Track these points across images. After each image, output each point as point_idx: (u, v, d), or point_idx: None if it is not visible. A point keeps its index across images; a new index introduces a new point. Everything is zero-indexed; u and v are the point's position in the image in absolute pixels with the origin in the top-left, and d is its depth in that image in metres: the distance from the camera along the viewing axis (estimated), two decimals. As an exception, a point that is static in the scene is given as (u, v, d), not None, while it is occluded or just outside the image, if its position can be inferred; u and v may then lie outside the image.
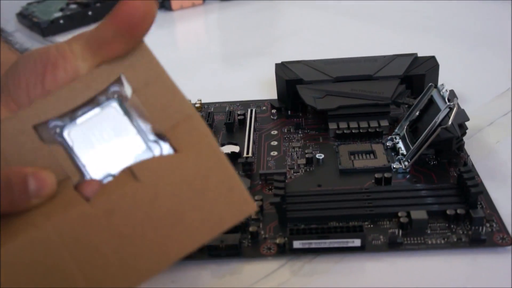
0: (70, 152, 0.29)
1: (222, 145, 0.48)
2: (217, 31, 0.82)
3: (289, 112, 0.53)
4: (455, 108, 0.42)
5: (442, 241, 0.37)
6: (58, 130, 0.29)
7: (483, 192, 0.41)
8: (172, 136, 0.29)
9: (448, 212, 0.38)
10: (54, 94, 0.28)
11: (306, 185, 0.43)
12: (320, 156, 0.46)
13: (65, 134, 0.29)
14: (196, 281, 0.37)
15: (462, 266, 0.36)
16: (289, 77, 0.52)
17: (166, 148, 0.29)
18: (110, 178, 0.29)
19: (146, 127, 0.29)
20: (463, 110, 0.45)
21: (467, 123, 0.45)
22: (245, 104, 0.56)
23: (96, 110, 0.29)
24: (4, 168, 0.27)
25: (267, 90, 0.58)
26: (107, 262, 0.27)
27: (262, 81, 0.60)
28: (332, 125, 0.49)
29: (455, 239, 0.37)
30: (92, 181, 0.28)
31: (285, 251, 0.37)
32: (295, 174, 0.45)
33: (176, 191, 0.28)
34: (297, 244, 0.37)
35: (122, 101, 0.29)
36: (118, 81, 0.29)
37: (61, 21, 0.76)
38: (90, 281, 0.27)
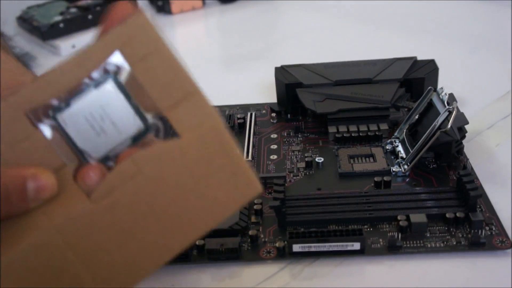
0: (66, 136, 0.27)
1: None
2: (217, 34, 0.82)
3: (289, 115, 0.53)
4: (454, 112, 0.42)
5: (442, 245, 0.37)
6: (51, 113, 0.27)
7: (483, 195, 0.41)
8: (172, 117, 0.27)
9: (447, 215, 0.38)
10: (44, 77, 0.27)
11: (305, 188, 0.43)
12: (319, 159, 0.46)
13: (59, 118, 0.27)
14: (196, 284, 0.37)
15: (462, 270, 0.36)
16: (289, 80, 0.52)
17: (165, 129, 0.28)
18: (108, 162, 0.28)
19: (144, 106, 0.28)
20: (462, 114, 0.45)
21: (466, 127, 0.45)
22: (245, 108, 0.56)
23: (91, 91, 0.27)
24: (2, 171, 0.26)
25: (267, 94, 0.58)
26: (112, 259, 0.27)
27: (261, 84, 0.60)
28: (331, 129, 0.49)
29: (454, 243, 0.37)
30: (94, 166, 0.28)
31: (284, 254, 0.37)
32: (294, 177, 0.45)
33: (178, 180, 0.27)
34: (296, 247, 0.37)
35: (118, 79, 0.27)
36: (114, 57, 0.27)
37: (61, 25, 0.76)
38: (97, 279, 0.27)
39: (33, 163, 0.27)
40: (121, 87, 0.27)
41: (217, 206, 0.28)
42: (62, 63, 0.27)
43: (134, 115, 0.28)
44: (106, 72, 0.27)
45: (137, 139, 0.28)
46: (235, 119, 0.52)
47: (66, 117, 0.27)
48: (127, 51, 0.27)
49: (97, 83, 0.27)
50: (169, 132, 0.28)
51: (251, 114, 0.53)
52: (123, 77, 0.27)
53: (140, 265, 0.27)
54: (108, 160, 0.28)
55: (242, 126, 0.52)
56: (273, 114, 0.54)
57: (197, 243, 0.38)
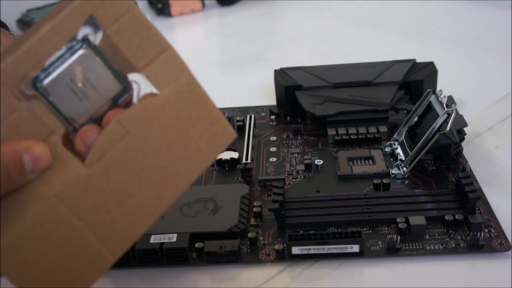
0: (49, 104, 0.28)
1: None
2: (217, 37, 0.82)
3: (288, 118, 0.53)
4: (453, 114, 0.42)
5: (441, 247, 0.37)
6: (31, 83, 0.27)
7: (482, 197, 0.41)
8: (148, 74, 0.28)
9: (446, 217, 0.38)
10: (22, 48, 0.27)
11: (305, 191, 0.43)
12: (319, 162, 0.46)
13: (41, 87, 0.28)
14: (195, 287, 0.37)
15: (461, 272, 0.36)
16: (288, 83, 0.52)
17: (143, 87, 0.29)
18: (92, 123, 0.29)
19: (120, 66, 0.29)
20: (461, 116, 0.45)
21: (465, 129, 0.45)
22: (244, 110, 0.56)
23: (69, 58, 0.28)
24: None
25: (266, 96, 0.58)
26: (113, 218, 0.28)
27: (261, 87, 0.60)
28: (331, 131, 0.49)
29: (453, 245, 0.37)
30: (91, 126, 0.29)
31: (284, 257, 0.37)
32: (294, 180, 0.45)
33: (163, 135, 0.29)
34: (295, 250, 0.37)
35: (92, 43, 0.28)
36: (88, 22, 0.28)
37: (61, 28, 0.76)
38: (102, 239, 0.28)
39: (23, 134, 0.28)
40: (96, 50, 0.28)
41: (201, 154, 0.29)
42: (39, 32, 0.27)
43: (113, 77, 0.29)
44: (82, 37, 0.28)
45: (117, 99, 0.29)
46: (234, 121, 0.53)
47: (48, 86, 0.28)
48: (99, 14, 0.28)
49: (74, 50, 0.28)
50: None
51: (250, 117, 0.53)
52: (97, 40, 0.29)
53: (139, 220, 0.29)
54: (91, 122, 0.29)
55: (241, 128, 0.52)
56: (273, 117, 0.54)
57: (196, 245, 0.38)
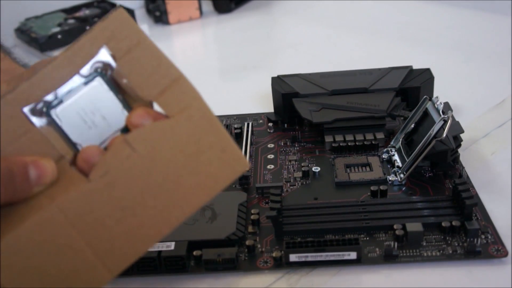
0: (60, 130, 0.29)
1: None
2: (214, 44, 0.82)
3: (286, 125, 0.53)
4: (449, 121, 0.42)
5: (438, 253, 0.37)
6: (45, 109, 0.29)
7: (478, 203, 0.41)
8: (161, 102, 0.29)
9: (443, 224, 0.38)
10: (38, 74, 0.28)
11: (302, 198, 0.44)
12: (316, 169, 0.46)
13: (53, 113, 0.29)
14: (193, 295, 0.37)
15: (458, 278, 0.36)
16: (285, 90, 0.53)
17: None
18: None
19: (131, 98, 0.30)
20: (458, 122, 0.46)
21: (462, 135, 0.45)
22: (242, 118, 0.56)
23: (82, 88, 0.29)
24: (4, 158, 0.27)
25: (264, 104, 0.58)
26: (113, 234, 0.28)
27: (258, 94, 0.60)
28: (328, 138, 0.49)
29: (450, 251, 0.37)
30: (94, 147, 0.29)
31: (281, 264, 0.37)
32: (291, 187, 0.45)
33: (171, 158, 0.29)
34: (293, 257, 0.37)
35: (106, 76, 0.29)
36: (101, 53, 0.29)
37: (59, 36, 0.76)
38: (99, 255, 0.28)
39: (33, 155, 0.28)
40: (109, 83, 0.29)
41: (209, 181, 0.29)
42: (53, 60, 0.28)
43: (122, 109, 0.30)
44: (95, 69, 0.29)
45: (126, 131, 0.30)
46: (232, 129, 0.53)
47: (59, 113, 0.29)
48: (112, 45, 0.29)
49: (87, 81, 0.29)
50: None
51: (248, 124, 0.53)
52: (111, 72, 0.29)
53: (139, 239, 0.29)
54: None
55: (239, 136, 0.52)
56: (270, 124, 0.54)
57: (194, 253, 0.38)
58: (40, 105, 0.29)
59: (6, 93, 0.28)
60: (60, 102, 0.29)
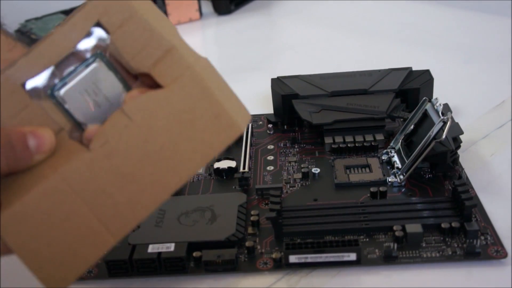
0: (64, 111, 0.30)
1: (218, 160, 0.48)
2: (214, 46, 0.82)
3: (285, 126, 0.54)
4: (449, 122, 0.42)
5: (437, 254, 0.37)
6: (49, 92, 0.30)
7: (478, 205, 0.41)
8: (155, 73, 0.30)
9: (443, 225, 0.38)
10: (35, 49, 0.29)
11: (302, 199, 0.44)
12: (316, 170, 0.46)
13: (57, 95, 0.30)
14: (193, 296, 0.37)
15: (457, 279, 0.36)
16: (285, 92, 0.53)
17: None
18: None
19: (130, 78, 0.31)
20: (457, 124, 0.46)
21: (461, 137, 0.45)
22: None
23: (84, 70, 0.30)
24: (3, 129, 0.28)
25: (264, 105, 0.58)
26: (115, 201, 0.29)
27: (258, 96, 0.60)
28: (328, 139, 0.49)
29: (450, 252, 0.37)
30: (94, 126, 0.30)
31: (281, 265, 0.38)
32: (291, 188, 0.45)
33: (166, 126, 0.29)
34: (293, 258, 0.37)
35: (105, 56, 0.30)
36: (96, 30, 0.30)
37: (59, 38, 0.76)
38: (103, 221, 0.29)
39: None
40: (108, 64, 0.30)
41: (204, 147, 0.30)
42: (49, 35, 0.30)
43: (123, 89, 0.31)
44: (95, 50, 0.30)
45: None
46: (232, 130, 0.53)
47: (64, 95, 0.30)
48: (105, 20, 0.30)
49: (88, 63, 0.30)
50: None
51: (247, 125, 0.53)
52: (108, 54, 0.31)
53: (141, 205, 0.30)
54: None
55: (239, 137, 0.52)
56: (270, 125, 0.54)
57: (194, 254, 0.38)
58: (42, 85, 0.30)
59: (5, 68, 0.29)
60: (64, 84, 0.30)
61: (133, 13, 0.30)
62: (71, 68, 0.30)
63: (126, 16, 0.30)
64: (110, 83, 0.31)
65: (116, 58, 0.30)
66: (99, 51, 0.30)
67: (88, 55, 0.30)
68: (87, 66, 0.30)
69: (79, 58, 0.30)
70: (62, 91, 0.30)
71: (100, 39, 0.30)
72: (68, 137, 0.30)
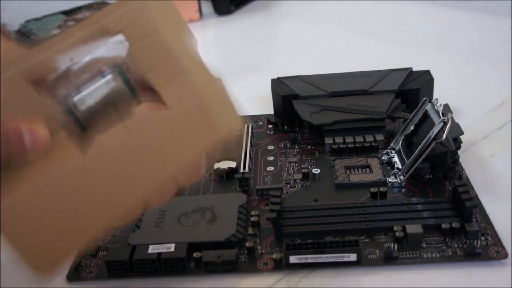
0: (73, 117, 0.30)
1: (219, 160, 0.48)
2: (214, 46, 0.82)
3: (285, 127, 0.54)
4: (449, 122, 0.42)
5: (438, 255, 0.37)
6: (63, 100, 0.30)
7: (478, 205, 0.41)
8: (163, 92, 0.31)
9: (443, 226, 0.38)
10: (53, 49, 0.30)
11: (302, 200, 0.44)
12: (316, 170, 0.46)
13: (69, 102, 0.30)
14: (193, 297, 0.37)
15: (458, 280, 0.36)
16: (285, 92, 0.53)
17: None
18: None
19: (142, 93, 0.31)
20: (457, 124, 0.46)
21: (461, 137, 0.45)
22: (242, 119, 0.56)
23: (99, 80, 0.31)
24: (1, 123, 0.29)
25: (264, 105, 0.58)
26: (102, 208, 0.30)
27: (258, 96, 0.60)
28: (328, 140, 0.49)
29: (450, 253, 0.37)
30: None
31: (281, 266, 0.37)
32: (291, 189, 0.45)
33: (162, 147, 0.31)
34: (293, 259, 0.37)
35: (122, 71, 0.31)
36: (117, 37, 0.31)
37: (59, 38, 0.76)
38: (93, 210, 0.30)
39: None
40: (125, 79, 0.31)
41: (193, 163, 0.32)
42: (69, 36, 0.30)
43: (134, 101, 0.31)
44: (112, 64, 0.31)
45: None
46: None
47: (76, 102, 0.30)
48: (128, 31, 0.30)
49: (104, 75, 0.31)
50: None
51: (248, 126, 0.53)
52: (125, 68, 0.31)
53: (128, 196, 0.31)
54: None
55: (239, 137, 0.52)
56: (270, 126, 0.54)
57: (194, 255, 0.38)
58: (59, 93, 0.30)
59: (15, 62, 0.29)
60: (78, 92, 0.30)
61: (155, 31, 0.31)
62: (86, 76, 0.31)
63: (148, 32, 0.31)
64: (123, 96, 0.31)
65: (130, 68, 0.31)
66: (117, 64, 0.31)
67: (104, 66, 0.31)
68: (103, 77, 0.31)
69: (95, 68, 0.31)
70: (75, 98, 0.30)
71: (118, 50, 0.31)
72: (66, 137, 0.30)
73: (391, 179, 0.44)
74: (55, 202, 0.30)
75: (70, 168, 0.29)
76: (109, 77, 0.31)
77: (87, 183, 0.30)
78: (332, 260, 0.37)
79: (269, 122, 0.54)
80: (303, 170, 0.46)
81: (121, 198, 0.31)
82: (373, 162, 0.47)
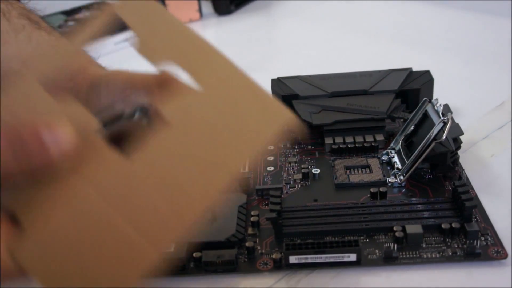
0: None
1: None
2: (214, 46, 0.82)
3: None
4: (449, 123, 0.42)
5: (437, 255, 0.37)
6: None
7: (478, 205, 0.41)
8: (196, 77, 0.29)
9: (443, 226, 0.38)
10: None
11: (302, 200, 0.44)
12: (316, 171, 0.46)
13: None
14: (193, 297, 0.37)
15: (458, 280, 0.36)
16: (285, 92, 0.53)
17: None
18: None
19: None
20: (457, 124, 0.46)
21: (461, 137, 0.45)
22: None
23: (123, 122, 0.31)
24: (12, 121, 0.25)
25: (264, 105, 0.58)
26: (158, 212, 0.26)
27: (258, 96, 0.60)
28: (328, 140, 0.49)
29: (450, 253, 0.37)
30: None
31: (281, 266, 0.37)
32: (291, 189, 0.45)
33: (207, 127, 0.27)
34: (293, 259, 0.37)
35: (148, 113, 0.31)
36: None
37: (59, 38, 0.76)
38: (143, 232, 0.26)
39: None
40: (147, 120, 0.32)
41: (251, 137, 0.28)
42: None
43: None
44: (136, 106, 0.32)
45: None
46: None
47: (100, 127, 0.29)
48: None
49: (130, 115, 0.32)
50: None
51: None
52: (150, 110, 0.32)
53: (187, 211, 0.27)
54: None
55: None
56: (270, 126, 0.54)
57: (194, 255, 0.38)
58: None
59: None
60: (104, 127, 0.29)
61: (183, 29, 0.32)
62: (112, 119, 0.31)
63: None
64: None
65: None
66: (144, 106, 0.31)
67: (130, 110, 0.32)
68: (129, 118, 0.31)
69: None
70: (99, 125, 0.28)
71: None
72: (98, 136, 0.27)
73: (391, 179, 0.44)
74: (99, 221, 0.26)
75: (116, 177, 0.26)
76: (132, 119, 0.31)
77: (137, 190, 0.26)
78: (332, 260, 0.37)
79: (269, 122, 0.54)
80: (303, 170, 0.46)
81: (183, 199, 0.27)
82: (373, 162, 0.46)
